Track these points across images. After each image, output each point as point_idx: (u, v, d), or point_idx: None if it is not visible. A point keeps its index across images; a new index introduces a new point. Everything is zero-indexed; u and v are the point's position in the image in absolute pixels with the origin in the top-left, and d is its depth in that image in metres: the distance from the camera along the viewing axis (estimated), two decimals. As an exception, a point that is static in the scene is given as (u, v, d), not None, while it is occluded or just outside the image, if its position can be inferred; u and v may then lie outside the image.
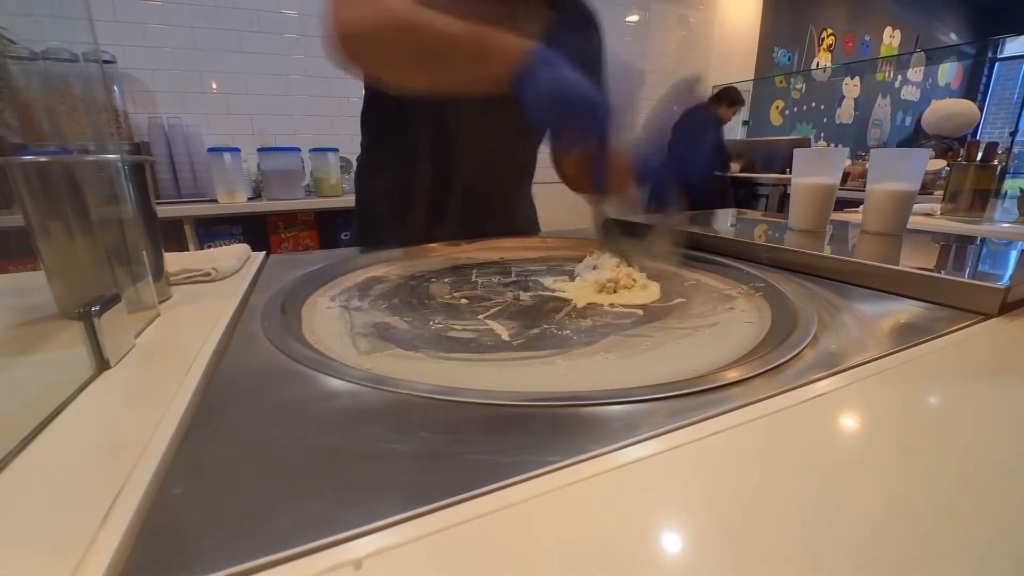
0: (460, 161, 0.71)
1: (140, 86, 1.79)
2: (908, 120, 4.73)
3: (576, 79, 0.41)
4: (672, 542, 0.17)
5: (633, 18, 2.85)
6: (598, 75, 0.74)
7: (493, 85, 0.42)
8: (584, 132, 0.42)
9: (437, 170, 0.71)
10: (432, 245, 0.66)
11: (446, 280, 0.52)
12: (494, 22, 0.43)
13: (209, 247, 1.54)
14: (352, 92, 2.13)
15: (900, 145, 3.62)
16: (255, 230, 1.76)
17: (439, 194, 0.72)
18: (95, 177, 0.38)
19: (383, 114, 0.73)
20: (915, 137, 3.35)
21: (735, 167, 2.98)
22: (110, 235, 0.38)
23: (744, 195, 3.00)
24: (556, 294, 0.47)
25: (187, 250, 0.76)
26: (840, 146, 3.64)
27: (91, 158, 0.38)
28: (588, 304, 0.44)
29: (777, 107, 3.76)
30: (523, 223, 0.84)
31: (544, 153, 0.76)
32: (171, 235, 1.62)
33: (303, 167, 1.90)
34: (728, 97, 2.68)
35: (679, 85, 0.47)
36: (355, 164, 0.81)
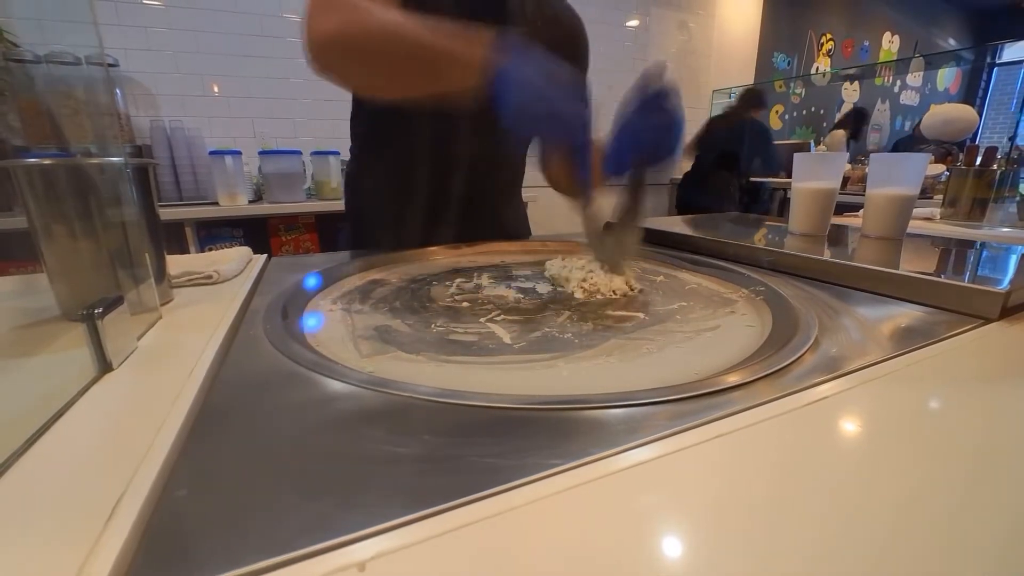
0: (449, 165, 0.71)
1: (142, 89, 1.80)
2: (907, 125, 4.75)
3: (543, 92, 0.40)
4: (676, 546, 0.17)
5: (633, 23, 2.86)
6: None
7: (465, 96, 0.42)
8: (557, 142, 0.43)
9: (426, 175, 0.72)
10: (432, 248, 0.67)
11: (447, 283, 0.52)
12: (464, 32, 0.43)
13: (210, 250, 1.53)
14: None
15: (897, 149, 3.63)
16: (256, 233, 1.76)
17: (429, 199, 0.73)
18: (98, 180, 0.38)
19: (372, 120, 0.73)
20: (913, 141, 3.38)
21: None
22: (113, 237, 0.38)
23: (748, 200, 3.02)
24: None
25: (188, 252, 0.76)
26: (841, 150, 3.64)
27: (95, 161, 0.38)
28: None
29: (777, 111, 3.78)
30: (514, 226, 0.84)
31: (532, 157, 0.77)
32: (172, 237, 1.62)
33: (304, 170, 1.91)
34: (753, 100, 2.68)
35: (647, 74, 0.46)
36: (343, 170, 0.83)
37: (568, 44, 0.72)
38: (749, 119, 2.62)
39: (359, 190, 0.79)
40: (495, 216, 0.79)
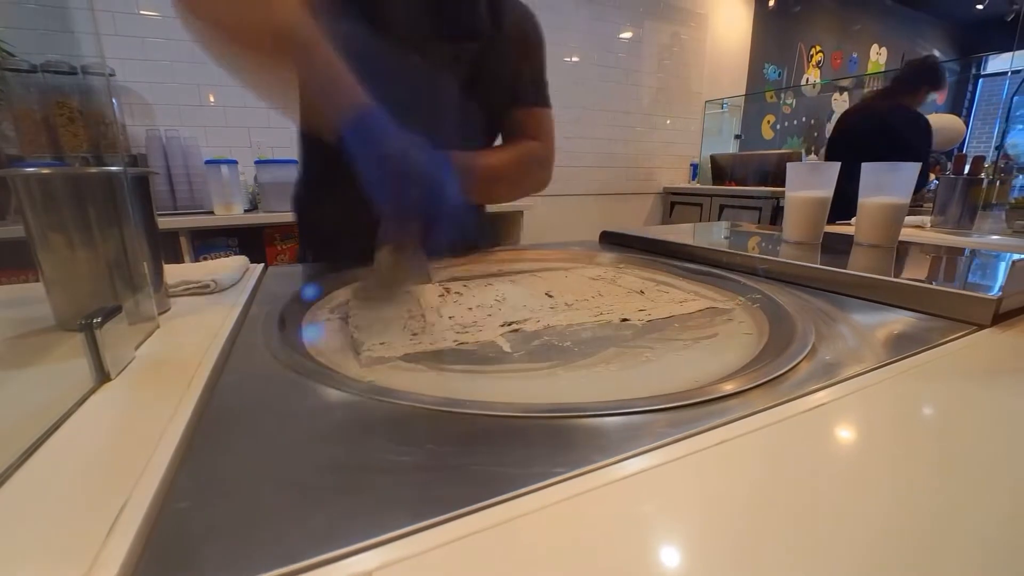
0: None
1: (138, 99, 1.80)
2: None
3: (399, 151, 0.39)
4: (677, 554, 0.17)
5: (626, 35, 2.90)
6: (538, 80, 0.73)
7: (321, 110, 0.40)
8: (402, 209, 0.41)
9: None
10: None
11: (445, 292, 0.52)
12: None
13: (204, 259, 1.53)
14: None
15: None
16: (251, 242, 1.75)
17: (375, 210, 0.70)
18: (97, 189, 0.38)
19: (312, 143, 0.70)
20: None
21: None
22: (111, 247, 0.38)
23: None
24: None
25: (182, 262, 0.75)
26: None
27: (93, 170, 0.38)
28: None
29: (768, 121, 3.83)
30: (476, 229, 0.81)
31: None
32: (166, 247, 1.60)
33: (300, 179, 1.91)
34: (928, 78, 1.86)
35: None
36: (293, 187, 0.78)
37: (522, 49, 0.71)
38: (898, 106, 1.85)
39: (311, 207, 0.77)
40: (456, 220, 0.76)
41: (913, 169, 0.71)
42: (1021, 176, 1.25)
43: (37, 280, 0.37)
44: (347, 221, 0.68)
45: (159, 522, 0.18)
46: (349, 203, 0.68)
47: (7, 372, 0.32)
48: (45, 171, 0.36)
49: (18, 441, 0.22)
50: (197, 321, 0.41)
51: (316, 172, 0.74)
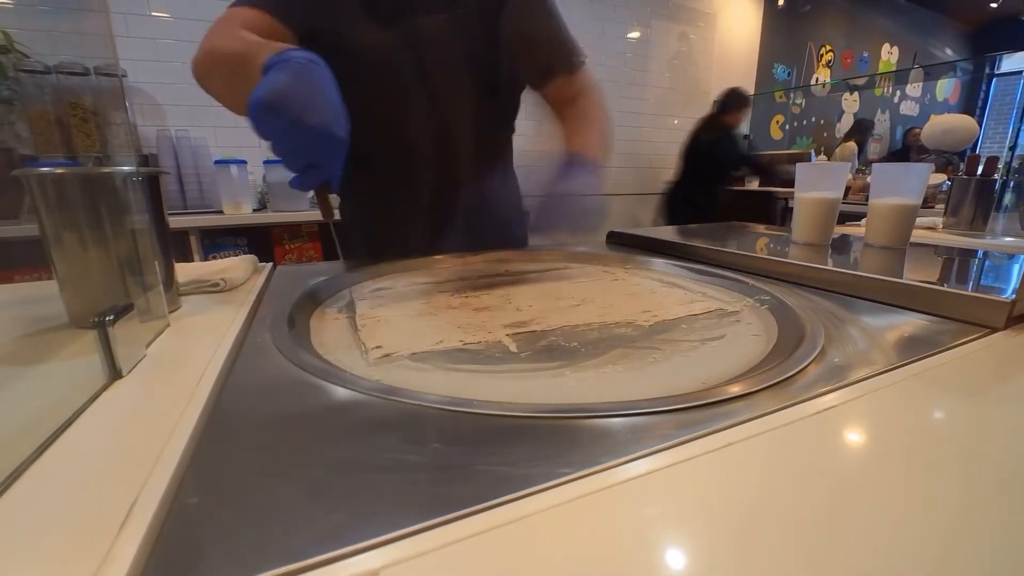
0: (427, 156, 0.72)
1: (149, 99, 1.82)
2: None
3: (306, 92, 0.39)
4: (684, 557, 0.17)
5: (634, 35, 2.89)
6: (562, 40, 0.72)
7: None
8: (301, 157, 0.44)
9: (406, 172, 0.72)
10: (438, 257, 0.67)
11: (452, 292, 0.53)
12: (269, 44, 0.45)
13: (213, 258, 1.54)
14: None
15: (892, 158, 3.66)
16: (259, 241, 1.77)
17: (413, 195, 0.73)
18: (110, 189, 0.39)
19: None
20: (907, 151, 3.41)
21: (751, 182, 3.03)
22: (123, 246, 0.38)
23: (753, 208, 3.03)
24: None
25: (192, 261, 0.76)
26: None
27: (107, 170, 0.39)
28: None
29: (777, 122, 3.80)
30: (507, 209, 0.82)
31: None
32: (176, 246, 1.62)
33: (308, 179, 1.92)
34: (733, 101, 2.60)
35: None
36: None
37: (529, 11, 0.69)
38: (726, 127, 2.60)
39: (346, 202, 0.81)
40: (487, 199, 0.78)
41: (926, 170, 0.70)
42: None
43: (51, 278, 0.38)
44: (380, 211, 0.76)
45: (170, 518, 0.18)
46: (381, 192, 0.74)
47: (21, 369, 0.33)
48: (59, 171, 0.37)
49: (32, 437, 0.23)
50: (207, 319, 0.42)
51: (353, 173, 0.78)
